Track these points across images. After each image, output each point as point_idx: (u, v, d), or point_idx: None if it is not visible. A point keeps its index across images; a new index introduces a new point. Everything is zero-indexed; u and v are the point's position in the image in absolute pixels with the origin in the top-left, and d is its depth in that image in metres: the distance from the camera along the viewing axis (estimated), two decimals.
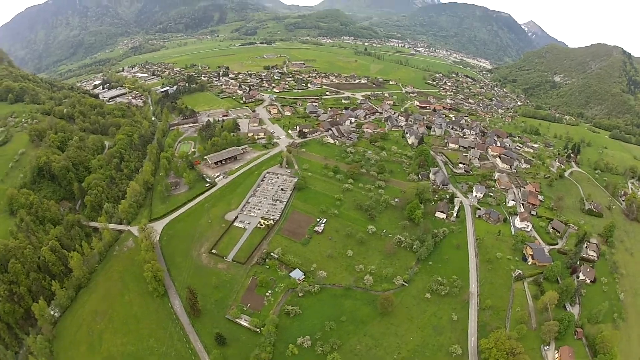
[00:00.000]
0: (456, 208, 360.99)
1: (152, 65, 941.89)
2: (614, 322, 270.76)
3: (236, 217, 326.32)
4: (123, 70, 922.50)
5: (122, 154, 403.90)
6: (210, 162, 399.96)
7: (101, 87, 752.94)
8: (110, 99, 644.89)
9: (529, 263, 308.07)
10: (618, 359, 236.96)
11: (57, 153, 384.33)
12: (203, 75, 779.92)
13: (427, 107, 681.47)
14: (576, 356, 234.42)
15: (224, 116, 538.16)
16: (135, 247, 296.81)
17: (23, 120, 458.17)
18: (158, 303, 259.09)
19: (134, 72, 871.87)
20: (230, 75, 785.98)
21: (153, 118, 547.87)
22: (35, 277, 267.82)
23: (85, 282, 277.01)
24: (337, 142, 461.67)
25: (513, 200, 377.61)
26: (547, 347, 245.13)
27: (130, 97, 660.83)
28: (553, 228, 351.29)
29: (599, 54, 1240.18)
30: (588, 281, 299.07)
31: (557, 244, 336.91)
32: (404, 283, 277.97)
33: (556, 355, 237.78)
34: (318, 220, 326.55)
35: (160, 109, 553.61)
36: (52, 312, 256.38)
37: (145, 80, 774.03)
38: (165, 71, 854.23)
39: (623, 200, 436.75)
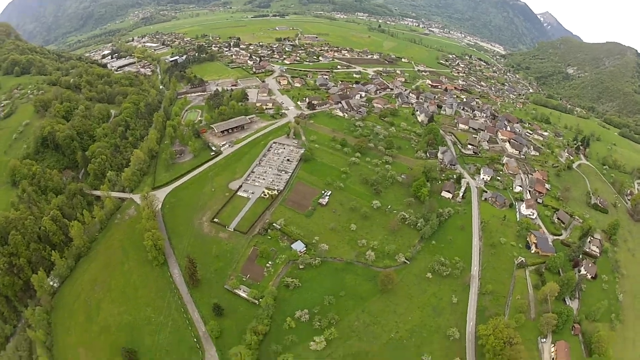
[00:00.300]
0: (462, 189, 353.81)
1: (163, 35, 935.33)
2: (611, 323, 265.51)
3: (240, 187, 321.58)
4: (133, 40, 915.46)
5: (127, 122, 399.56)
6: (216, 131, 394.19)
7: (110, 56, 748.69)
8: (118, 68, 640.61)
9: (532, 251, 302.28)
10: None
11: (61, 122, 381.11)
12: (214, 46, 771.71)
13: (439, 87, 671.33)
14: (571, 352, 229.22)
15: (232, 86, 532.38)
16: (137, 215, 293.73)
17: (29, 91, 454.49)
18: (157, 272, 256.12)
19: (144, 42, 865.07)
20: (241, 46, 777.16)
21: (161, 87, 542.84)
22: (36, 248, 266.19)
23: (86, 251, 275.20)
24: (346, 115, 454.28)
25: (520, 186, 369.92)
26: (544, 339, 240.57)
27: (139, 66, 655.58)
28: (558, 218, 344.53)
29: (612, 52, 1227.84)
30: (589, 277, 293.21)
31: (561, 234, 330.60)
32: (405, 261, 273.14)
33: (552, 349, 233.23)
34: (323, 192, 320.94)
35: (169, 78, 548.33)
36: (51, 283, 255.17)
37: (154, 50, 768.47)
38: (175, 41, 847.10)
39: (629, 200, 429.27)
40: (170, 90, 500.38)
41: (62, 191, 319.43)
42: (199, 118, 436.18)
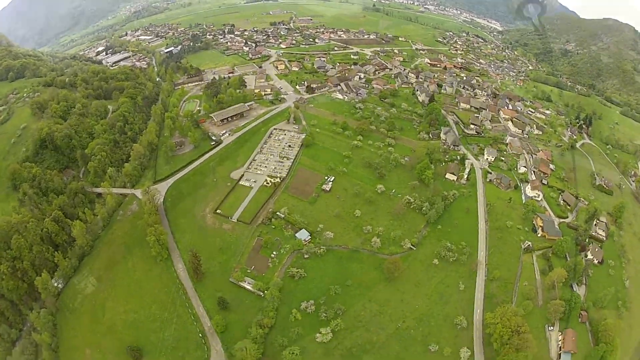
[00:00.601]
0: (467, 170, 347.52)
1: (156, 27, 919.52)
2: (618, 310, 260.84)
3: (242, 176, 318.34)
4: (126, 34, 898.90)
5: (125, 117, 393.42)
6: (215, 120, 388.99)
7: (104, 53, 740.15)
8: (113, 63, 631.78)
9: (539, 235, 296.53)
10: (619, 350, 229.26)
11: (59, 123, 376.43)
12: (208, 34, 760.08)
13: (438, 65, 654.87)
14: (578, 340, 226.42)
15: (229, 73, 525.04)
16: (139, 210, 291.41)
17: (25, 95, 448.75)
18: (161, 267, 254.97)
19: (138, 35, 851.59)
20: (235, 33, 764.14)
21: (157, 79, 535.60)
22: (39, 250, 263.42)
23: (89, 250, 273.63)
24: (346, 97, 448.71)
25: (524, 166, 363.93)
26: (552, 327, 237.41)
27: (134, 60, 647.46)
28: (564, 200, 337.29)
29: (611, 29, 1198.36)
30: (596, 262, 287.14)
31: (567, 217, 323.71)
32: (412, 247, 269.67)
33: (560, 338, 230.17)
34: (326, 178, 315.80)
35: (165, 69, 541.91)
36: (55, 284, 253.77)
37: (149, 43, 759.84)
38: (169, 32, 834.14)
39: (633, 181, 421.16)
40: (167, 81, 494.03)
41: (63, 191, 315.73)
42: (198, 108, 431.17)
